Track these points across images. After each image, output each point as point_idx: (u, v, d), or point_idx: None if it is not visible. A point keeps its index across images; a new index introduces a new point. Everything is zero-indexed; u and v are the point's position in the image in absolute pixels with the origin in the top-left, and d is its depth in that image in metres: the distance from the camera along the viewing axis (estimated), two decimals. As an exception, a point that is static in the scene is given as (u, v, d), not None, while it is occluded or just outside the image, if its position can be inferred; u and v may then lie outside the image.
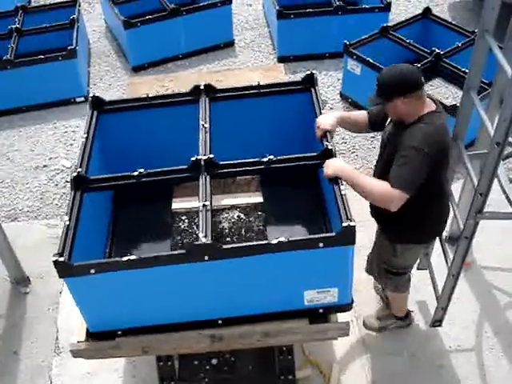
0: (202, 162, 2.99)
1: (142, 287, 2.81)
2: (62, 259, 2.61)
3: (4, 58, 5.75)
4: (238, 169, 3.07)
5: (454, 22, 6.13)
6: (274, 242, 2.63)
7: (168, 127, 3.48)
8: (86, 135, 3.31)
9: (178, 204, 3.54)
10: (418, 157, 2.80)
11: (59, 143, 5.66)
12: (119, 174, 3.07)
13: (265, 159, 3.01)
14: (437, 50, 5.37)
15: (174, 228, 3.41)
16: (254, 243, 2.76)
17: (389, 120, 3.18)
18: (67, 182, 5.18)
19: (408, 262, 3.43)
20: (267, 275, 2.80)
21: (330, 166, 2.87)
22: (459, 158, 3.36)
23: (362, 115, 3.34)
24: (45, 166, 5.40)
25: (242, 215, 3.50)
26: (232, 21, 6.86)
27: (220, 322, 2.97)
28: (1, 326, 4.00)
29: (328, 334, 2.99)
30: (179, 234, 3.38)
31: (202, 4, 6.55)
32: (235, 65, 6.57)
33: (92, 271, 2.65)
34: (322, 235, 2.70)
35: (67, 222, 2.81)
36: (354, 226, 2.57)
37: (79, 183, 3.02)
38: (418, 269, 4.01)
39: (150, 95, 3.52)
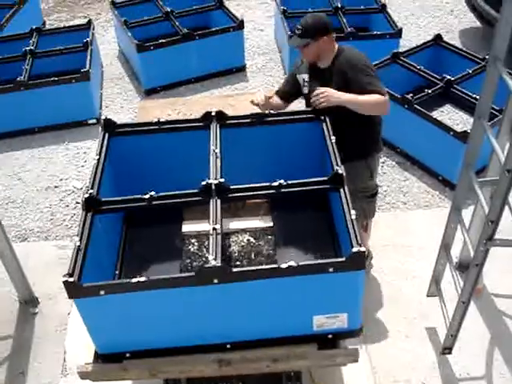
0: (213, 186, 3.00)
1: (151, 309, 2.80)
2: (71, 280, 2.62)
3: (18, 79, 5.82)
4: (248, 193, 3.08)
5: (464, 49, 6.16)
6: (284, 266, 2.62)
7: (179, 152, 3.51)
8: (97, 157, 3.33)
9: (188, 227, 3.54)
10: (373, 68, 3.55)
11: (70, 164, 5.69)
12: (130, 197, 3.09)
13: (275, 183, 3.02)
14: (447, 77, 5.38)
15: (184, 251, 3.41)
16: (264, 267, 2.77)
17: (303, 83, 3.72)
18: (78, 203, 5.20)
19: (376, 177, 3.96)
20: (276, 299, 2.79)
21: (325, 97, 3.34)
22: (470, 185, 3.35)
23: (276, 98, 3.88)
24: (56, 186, 5.44)
25: (252, 239, 3.49)
26: (244, 46, 6.92)
27: (228, 346, 2.96)
28: (8, 346, 3.99)
29: (337, 359, 2.96)
30: (189, 257, 3.38)
31: (214, 29, 6.62)
32: (247, 89, 6.62)
33: (101, 292, 2.66)
34: (331, 260, 2.69)
35: (78, 243, 2.82)
36: (364, 252, 2.58)
37: (90, 205, 3.03)
38: (427, 295, 4.00)
39: (162, 119, 3.54)
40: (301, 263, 2.64)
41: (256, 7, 8.48)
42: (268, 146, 3.54)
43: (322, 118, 3.41)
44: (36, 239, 4.89)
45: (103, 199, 3.08)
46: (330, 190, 3.01)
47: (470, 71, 5.53)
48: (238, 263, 3.32)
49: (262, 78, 6.87)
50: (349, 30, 6.30)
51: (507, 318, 4.01)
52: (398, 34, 6.39)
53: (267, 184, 3.04)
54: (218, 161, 3.19)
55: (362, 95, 3.43)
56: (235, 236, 3.52)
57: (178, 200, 3.06)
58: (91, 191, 3.08)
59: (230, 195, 3.05)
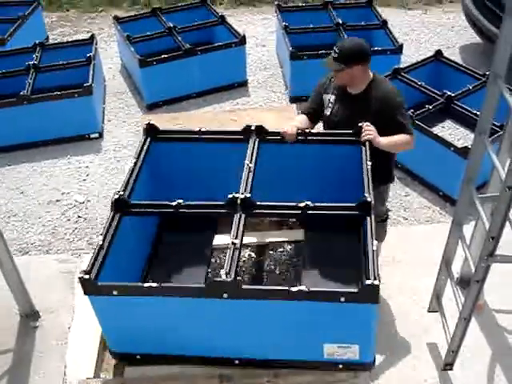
0: (239, 201, 3.01)
1: (162, 315, 2.86)
2: (87, 277, 2.71)
3: (21, 93, 5.85)
4: (274, 211, 3.10)
5: (465, 65, 6.19)
6: (294, 289, 2.60)
7: (216, 162, 3.55)
8: (135, 160, 3.38)
9: (219, 239, 3.57)
10: (404, 107, 3.60)
11: (73, 178, 5.71)
12: (159, 202, 3.15)
13: (302, 204, 3.01)
14: (448, 92, 5.42)
15: (212, 262, 3.43)
16: (274, 288, 2.76)
17: (328, 104, 3.67)
18: (79, 216, 5.22)
19: (386, 203, 4.09)
20: (286, 321, 2.77)
21: (371, 135, 3.36)
22: (470, 200, 3.36)
23: (304, 119, 3.78)
24: (58, 200, 5.45)
25: (281, 254, 3.51)
26: (246, 61, 6.95)
27: (237, 362, 2.97)
28: (9, 359, 3.98)
29: (337, 375, 2.96)
30: (214, 269, 3.39)
31: (216, 44, 6.67)
32: (248, 104, 6.65)
33: (114, 292, 2.75)
34: (343, 290, 2.66)
35: (100, 242, 2.91)
36: (378, 286, 2.52)
37: (119, 206, 3.09)
38: (428, 311, 3.99)
39: (203, 129, 3.59)
40: (312, 289, 2.62)
41: (258, 23, 8.55)
42: (303, 163, 3.54)
43: (364, 143, 3.37)
44: (37, 253, 4.90)
45: (132, 202, 3.13)
46: (356, 216, 2.97)
47: (471, 87, 5.56)
48: (264, 277, 3.39)
49: (263, 92, 6.90)
50: (350, 45, 6.33)
51: (508, 334, 4.00)
52: (399, 49, 6.43)
53: (294, 204, 3.02)
54: (251, 175, 3.21)
55: (394, 137, 3.51)
56: (269, 250, 3.58)
57: (204, 210, 3.11)
58: (121, 193, 3.12)
59: (256, 211, 3.06)
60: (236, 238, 2.85)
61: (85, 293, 2.79)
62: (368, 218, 2.89)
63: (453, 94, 5.42)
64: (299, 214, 3.03)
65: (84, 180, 5.68)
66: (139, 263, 3.42)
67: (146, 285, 2.73)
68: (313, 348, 2.87)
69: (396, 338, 3.98)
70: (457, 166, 4.49)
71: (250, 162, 3.29)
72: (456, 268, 4.05)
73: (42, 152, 6.05)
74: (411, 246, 4.69)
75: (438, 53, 6.17)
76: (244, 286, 2.69)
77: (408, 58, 7.09)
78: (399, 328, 4.04)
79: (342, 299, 2.59)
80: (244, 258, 3.51)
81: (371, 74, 3.59)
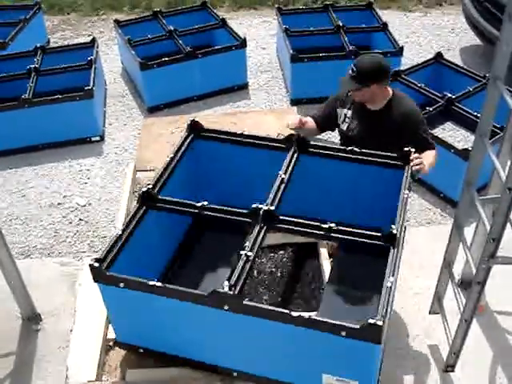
0: (261, 212, 2.96)
1: (164, 315, 2.87)
2: (96, 265, 2.75)
3: (22, 96, 5.86)
4: (296, 227, 2.99)
5: (465, 67, 6.20)
6: (295, 314, 2.55)
7: (253, 167, 3.51)
8: (172, 155, 3.40)
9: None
10: (424, 123, 3.58)
11: (74, 181, 5.72)
12: (186, 201, 3.14)
13: (325, 225, 2.92)
14: (448, 95, 5.42)
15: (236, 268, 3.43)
16: (275, 309, 2.67)
17: (344, 119, 3.63)
18: (81, 219, 5.22)
19: None
20: (286, 344, 2.72)
21: (421, 165, 3.30)
22: (471, 202, 3.37)
23: (311, 122, 3.79)
24: (59, 203, 5.45)
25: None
26: (246, 64, 6.96)
27: (235, 374, 2.95)
28: (11, 362, 3.98)
29: (340, 377, 2.94)
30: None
31: (217, 47, 6.68)
32: (249, 107, 6.66)
33: (121, 285, 2.77)
34: (345, 324, 2.51)
35: (119, 232, 2.93)
36: (381, 327, 2.41)
37: (146, 199, 3.11)
38: (430, 313, 3.99)
39: (246, 132, 3.59)
40: (313, 317, 2.57)
41: (258, 26, 8.56)
42: (339, 180, 3.45)
43: (407, 169, 3.25)
44: (39, 256, 4.90)
45: (160, 197, 3.14)
46: (380, 246, 2.83)
47: (471, 89, 5.57)
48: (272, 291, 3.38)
49: (264, 95, 6.91)
50: (350, 48, 6.35)
51: (510, 336, 4.01)
52: (399, 52, 6.43)
53: (317, 224, 2.95)
54: (282, 187, 3.15)
55: (429, 160, 3.51)
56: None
57: (226, 216, 3.07)
58: (150, 186, 3.13)
59: (277, 225, 3.00)
60: (251, 250, 2.79)
61: (94, 280, 2.84)
62: (392, 251, 2.75)
63: (453, 96, 5.42)
64: (322, 235, 2.95)
65: (85, 183, 5.69)
66: (162, 260, 3.41)
67: (151, 283, 2.72)
68: (311, 375, 2.79)
69: (397, 340, 3.97)
70: (457, 168, 4.49)
71: (284, 174, 3.22)
72: (457, 270, 4.05)
73: (43, 155, 6.06)
74: (412, 247, 4.68)
75: (439, 55, 6.18)
76: (245, 302, 2.64)
77: (408, 60, 7.10)
78: (400, 330, 4.04)
79: (343, 333, 2.49)
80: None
81: (391, 91, 3.54)
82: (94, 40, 7.08)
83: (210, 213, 3.09)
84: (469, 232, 3.82)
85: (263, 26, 8.55)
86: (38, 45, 6.90)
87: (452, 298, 3.66)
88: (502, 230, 2.89)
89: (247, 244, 2.83)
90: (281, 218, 2.99)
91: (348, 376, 2.70)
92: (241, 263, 2.74)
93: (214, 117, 5.82)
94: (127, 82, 7.33)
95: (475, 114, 5.11)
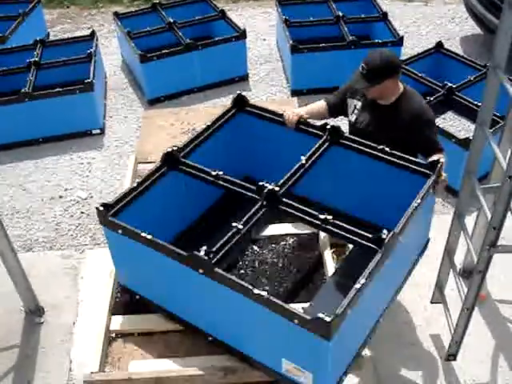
0: (265, 191, 3.02)
1: (154, 267, 3.03)
2: (101, 208, 2.99)
3: (22, 90, 5.85)
4: (296, 212, 3.02)
5: (465, 56, 6.19)
6: (256, 291, 2.58)
7: (288, 148, 3.49)
8: (209, 123, 3.54)
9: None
10: (433, 123, 3.52)
11: (75, 174, 5.72)
12: (203, 168, 3.25)
13: (322, 216, 2.94)
14: (449, 84, 5.40)
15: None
16: (240, 282, 2.69)
17: (353, 110, 3.60)
18: (82, 212, 5.23)
19: None
20: (251, 319, 2.76)
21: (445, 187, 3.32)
22: (472, 191, 3.37)
23: (323, 106, 3.78)
24: (60, 196, 5.46)
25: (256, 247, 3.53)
26: (246, 55, 6.94)
27: (210, 338, 3.07)
28: (14, 356, 4.01)
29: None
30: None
31: (217, 39, 6.65)
32: (249, 98, 6.58)
33: (119, 231, 2.97)
34: (296, 311, 2.51)
35: (134, 184, 3.14)
36: (329, 323, 2.36)
37: (168, 160, 3.28)
38: (431, 302, 4.00)
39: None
40: (271, 298, 2.56)
41: (258, 17, 8.54)
42: (364, 176, 3.45)
43: (432, 177, 3.15)
44: (41, 249, 4.91)
45: (184, 160, 3.28)
46: (368, 247, 2.81)
47: (472, 78, 5.55)
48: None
49: (264, 86, 6.90)
50: (350, 38, 6.34)
51: (511, 324, 4.02)
52: (400, 42, 6.40)
53: (316, 213, 2.97)
54: (300, 172, 3.19)
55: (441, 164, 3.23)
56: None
57: (234, 188, 3.18)
58: (175, 148, 3.26)
59: (279, 206, 3.04)
60: (244, 224, 2.86)
61: (100, 222, 3.06)
62: (378, 254, 2.71)
63: (454, 86, 5.40)
64: (318, 225, 2.96)
65: (86, 176, 5.70)
66: (181, 225, 3.53)
67: (143, 234, 2.87)
68: (274, 357, 2.80)
69: (399, 330, 3.99)
70: (458, 158, 4.48)
71: (306, 160, 3.24)
72: (458, 259, 4.06)
73: (44, 149, 6.06)
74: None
75: (439, 44, 6.16)
76: (216, 269, 2.69)
77: (409, 49, 7.09)
78: (402, 319, 4.06)
79: (296, 321, 2.48)
80: (247, 252, 3.52)
81: (401, 86, 3.50)
82: (93, 33, 7.07)
83: (222, 183, 3.18)
84: (470, 221, 3.83)
85: (263, 17, 8.53)
86: (38, 38, 6.89)
87: (453, 287, 3.66)
88: (502, 219, 2.89)
89: (244, 218, 2.89)
90: (284, 200, 3.02)
91: (304, 366, 2.70)
92: (229, 234, 2.81)
93: (214, 108, 5.81)
94: (127, 74, 7.32)
95: (476, 103, 5.09)
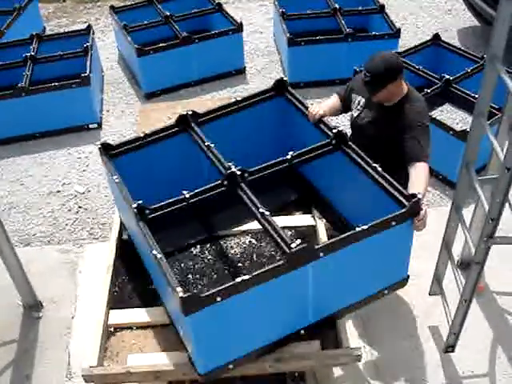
0: (228, 172, 3.04)
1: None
2: (99, 146, 3.41)
3: (19, 85, 5.84)
4: (245, 200, 3.01)
5: (463, 48, 6.18)
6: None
7: (304, 140, 3.46)
8: (240, 99, 3.72)
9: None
10: (426, 131, 3.36)
11: (72, 169, 5.72)
12: (202, 136, 3.37)
13: (288, 156, 3.12)
14: (446, 76, 5.39)
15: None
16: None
17: (357, 105, 3.58)
18: (80, 207, 5.23)
19: None
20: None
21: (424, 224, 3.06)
22: (470, 183, 3.37)
23: (338, 102, 3.77)
24: (58, 191, 5.46)
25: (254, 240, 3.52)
26: (243, 48, 6.93)
27: None
28: (13, 350, 4.01)
29: (340, 359, 2.98)
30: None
31: (213, 32, 6.64)
32: (247, 91, 6.62)
33: (111, 173, 3.27)
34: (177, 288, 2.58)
35: (142, 134, 3.34)
36: (184, 298, 2.48)
37: (181, 121, 3.43)
38: (430, 294, 4.01)
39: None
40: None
41: (255, 10, 8.52)
42: (350, 185, 3.46)
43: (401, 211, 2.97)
44: (39, 244, 4.91)
45: (193, 126, 3.45)
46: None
47: (469, 70, 5.54)
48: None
49: (261, 79, 6.89)
50: (347, 31, 6.32)
51: (509, 315, 4.03)
52: (397, 34, 6.41)
53: (280, 159, 3.12)
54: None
55: (421, 186, 3.15)
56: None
57: (214, 161, 3.18)
58: (190, 112, 3.48)
59: (252, 177, 3.09)
60: (258, 208, 2.89)
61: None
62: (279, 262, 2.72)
63: (451, 78, 5.39)
64: (256, 217, 2.94)
65: (84, 170, 5.69)
66: (173, 190, 3.37)
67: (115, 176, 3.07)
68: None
69: (398, 322, 4.00)
70: (456, 150, 4.48)
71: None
72: (456, 251, 4.06)
73: (41, 143, 6.05)
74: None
75: (436, 36, 6.14)
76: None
77: (406, 42, 7.08)
78: (401, 311, 4.07)
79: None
80: (245, 245, 3.52)
81: (405, 87, 3.46)
82: (89, 27, 7.06)
83: (212, 157, 3.18)
84: (468, 213, 3.83)
85: (260, 9, 8.50)
86: (34, 33, 6.88)
87: (452, 279, 3.67)
88: (500, 210, 2.89)
89: (249, 204, 2.94)
90: (242, 185, 3.04)
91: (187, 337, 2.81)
92: (174, 199, 2.92)
93: (212, 102, 5.80)
94: (124, 68, 7.30)
95: (473, 95, 5.08)
